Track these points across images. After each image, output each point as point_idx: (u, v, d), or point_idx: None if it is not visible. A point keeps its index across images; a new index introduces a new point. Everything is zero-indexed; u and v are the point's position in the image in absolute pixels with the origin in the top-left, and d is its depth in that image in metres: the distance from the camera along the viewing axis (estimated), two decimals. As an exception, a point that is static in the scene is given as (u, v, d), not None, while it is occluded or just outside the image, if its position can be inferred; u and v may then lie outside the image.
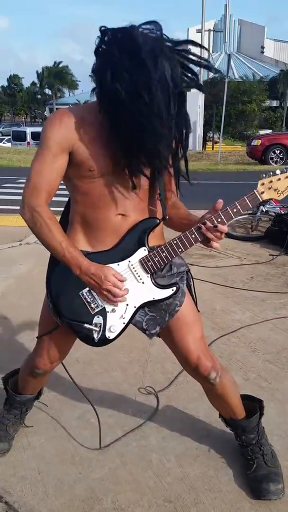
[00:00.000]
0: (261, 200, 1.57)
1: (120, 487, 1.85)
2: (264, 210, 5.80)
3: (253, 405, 1.94)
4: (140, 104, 1.28)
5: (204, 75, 27.93)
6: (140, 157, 1.41)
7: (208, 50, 1.45)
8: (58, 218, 1.68)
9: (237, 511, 1.73)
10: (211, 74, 30.81)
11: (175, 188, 1.70)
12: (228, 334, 3.13)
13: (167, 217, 1.64)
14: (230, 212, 1.53)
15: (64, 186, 1.63)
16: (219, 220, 1.53)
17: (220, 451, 2.03)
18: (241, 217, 5.92)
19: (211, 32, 42.20)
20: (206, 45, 31.42)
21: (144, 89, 1.27)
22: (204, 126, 27.28)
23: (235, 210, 1.53)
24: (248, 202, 1.54)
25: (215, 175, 13.95)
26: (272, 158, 15.23)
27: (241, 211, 1.54)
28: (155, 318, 1.69)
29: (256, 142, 15.36)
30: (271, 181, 1.55)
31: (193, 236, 1.54)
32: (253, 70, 47.56)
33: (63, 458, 2.00)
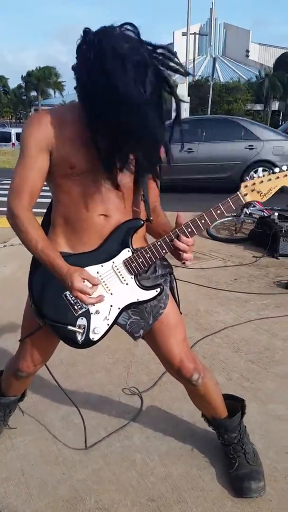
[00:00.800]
0: (244, 202, 1.59)
1: (104, 487, 1.86)
2: (248, 212, 5.87)
3: (235, 404, 1.97)
4: (111, 106, 1.28)
5: (189, 78, 28.06)
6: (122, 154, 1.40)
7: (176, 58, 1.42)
8: (41, 220, 1.69)
9: (219, 509, 1.75)
10: (196, 77, 31.02)
11: (157, 192, 1.72)
12: (211, 335, 3.16)
13: (151, 218, 1.64)
14: (214, 213, 1.55)
15: (47, 188, 1.63)
16: (203, 221, 1.55)
17: (203, 450, 2.06)
18: (225, 219, 5.97)
19: (197, 36, 42.46)
20: (191, 49, 31.61)
21: (115, 94, 1.26)
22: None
23: (218, 211, 1.55)
24: (231, 203, 1.56)
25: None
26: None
27: (225, 213, 1.56)
28: (138, 322, 1.69)
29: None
30: (254, 184, 1.57)
31: (182, 234, 1.56)
32: (238, 74, 47.96)
33: (46, 459, 2.01)
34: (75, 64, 1.37)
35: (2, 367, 2.11)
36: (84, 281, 1.50)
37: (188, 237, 1.56)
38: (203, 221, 1.55)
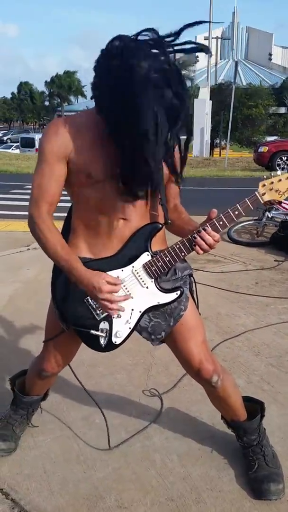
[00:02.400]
0: (262, 202, 1.58)
1: (124, 485, 1.89)
2: (269, 216, 5.83)
3: (255, 407, 1.97)
4: (128, 125, 1.33)
5: (211, 82, 28.05)
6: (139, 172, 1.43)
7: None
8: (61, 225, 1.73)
9: (237, 510, 1.76)
10: (219, 80, 30.91)
11: (177, 190, 1.74)
12: (232, 338, 3.16)
13: (169, 221, 1.66)
14: (232, 214, 1.55)
15: (66, 192, 1.67)
16: (221, 223, 1.56)
17: (222, 452, 2.07)
18: (247, 223, 5.96)
19: (219, 40, 42.43)
20: (213, 53, 31.54)
21: (133, 114, 1.30)
22: (211, 133, 27.35)
23: (236, 212, 1.56)
24: (249, 204, 1.56)
25: (222, 182, 13.99)
26: (279, 165, 15.22)
27: (243, 213, 1.56)
28: (160, 324, 1.72)
29: (263, 149, 15.35)
30: (272, 182, 1.56)
31: (196, 239, 1.57)
32: (261, 77, 47.65)
33: (68, 458, 2.05)
34: (94, 78, 1.41)
35: (26, 367, 2.16)
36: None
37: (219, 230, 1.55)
38: (221, 222, 1.56)
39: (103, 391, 2.53)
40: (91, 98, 1.44)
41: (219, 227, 1.56)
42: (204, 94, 24.13)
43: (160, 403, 2.43)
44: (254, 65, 69.24)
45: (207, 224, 1.56)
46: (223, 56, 68.45)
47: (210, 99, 24.60)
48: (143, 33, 1.38)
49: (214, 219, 1.56)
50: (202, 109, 22.54)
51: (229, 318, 3.51)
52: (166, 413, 2.36)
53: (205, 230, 1.55)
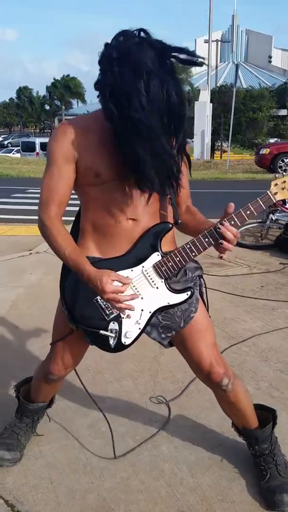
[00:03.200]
0: (274, 201, 1.55)
1: (132, 496, 1.84)
2: (274, 218, 5.78)
3: (266, 414, 1.93)
4: (132, 123, 1.32)
5: (212, 84, 28.10)
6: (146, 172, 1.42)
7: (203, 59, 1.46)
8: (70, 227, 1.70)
9: (250, 522, 1.71)
10: (219, 83, 30.98)
11: (187, 192, 1.72)
12: (239, 343, 3.11)
13: (180, 221, 1.64)
14: (244, 214, 1.52)
15: (75, 196, 1.65)
16: (232, 222, 1.52)
17: (233, 461, 2.02)
18: (251, 225, 5.92)
19: (219, 43, 42.55)
20: (213, 56, 31.61)
21: (136, 110, 1.30)
22: (212, 135, 27.37)
23: (248, 212, 1.53)
24: (261, 203, 1.53)
25: (224, 184, 13.96)
26: (281, 167, 15.20)
27: (255, 213, 1.53)
28: (169, 326, 1.69)
29: (265, 151, 15.33)
30: (284, 182, 1.53)
31: (206, 239, 1.54)
32: (261, 80, 47.73)
33: (74, 468, 2.00)
34: (98, 77, 1.39)
35: (29, 373, 2.12)
36: (114, 282, 1.49)
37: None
38: (232, 222, 1.52)
39: (109, 398, 2.48)
40: (98, 97, 1.41)
41: (234, 224, 1.53)
42: (205, 96, 24.17)
43: (167, 410, 2.39)
44: (254, 68, 69.41)
45: (224, 219, 1.52)
46: (223, 59, 68.60)
47: (211, 101, 24.63)
48: (140, 32, 1.37)
49: (224, 219, 1.52)
50: (203, 112, 22.57)
51: (235, 322, 3.46)
52: (174, 421, 2.31)
53: (223, 225, 1.51)
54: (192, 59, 1.39)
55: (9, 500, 1.82)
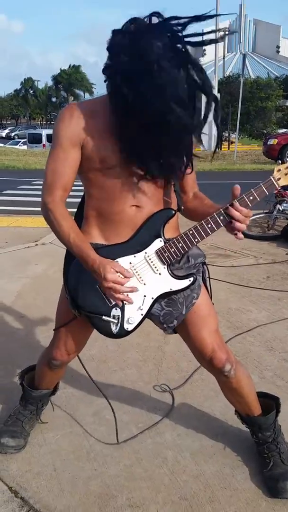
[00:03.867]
0: (277, 187, 1.54)
1: (135, 483, 1.84)
2: (280, 209, 5.75)
3: (270, 403, 1.92)
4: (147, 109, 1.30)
5: (219, 74, 27.87)
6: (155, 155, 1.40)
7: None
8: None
9: (253, 509, 1.71)
10: (227, 73, 30.69)
11: (194, 177, 1.70)
12: (244, 333, 3.10)
13: (183, 208, 1.63)
14: (246, 199, 1.51)
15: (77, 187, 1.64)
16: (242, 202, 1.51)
17: (236, 449, 2.02)
18: (258, 216, 5.88)
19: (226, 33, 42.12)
20: (221, 46, 31.31)
21: (152, 96, 1.27)
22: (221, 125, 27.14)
23: (251, 197, 1.51)
24: (264, 189, 1.52)
25: (231, 175, 13.89)
26: (288, 157, 15.08)
27: (258, 198, 1.52)
28: (171, 313, 1.69)
29: (273, 141, 15.20)
30: (287, 167, 1.53)
31: (209, 225, 1.53)
32: (269, 70, 47.24)
33: (78, 455, 2.01)
34: (107, 61, 1.37)
35: (34, 362, 2.12)
36: (116, 273, 1.49)
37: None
38: (251, 197, 1.51)
39: (113, 387, 2.49)
40: (104, 81, 1.40)
41: (248, 203, 1.52)
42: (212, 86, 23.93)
43: (171, 398, 2.39)
44: (262, 58, 68.73)
45: (234, 200, 1.51)
46: (231, 49, 67.94)
47: (218, 92, 24.41)
48: (152, 16, 1.34)
49: (239, 198, 1.52)
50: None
51: (240, 312, 3.45)
52: (177, 409, 2.31)
53: (232, 205, 1.50)
54: (204, 41, 1.36)
55: (12, 487, 1.83)
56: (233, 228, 1.53)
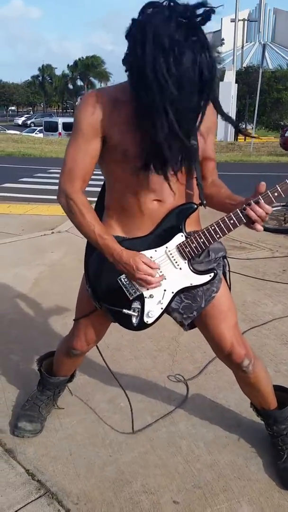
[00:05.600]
0: None
1: (150, 471, 1.87)
2: (298, 202, 5.70)
3: (285, 396, 1.93)
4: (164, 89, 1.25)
5: (237, 65, 27.53)
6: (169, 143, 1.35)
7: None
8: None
9: (266, 500, 1.73)
10: (245, 64, 30.27)
11: (213, 165, 1.69)
12: (259, 326, 3.10)
13: (205, 202, 1.60)
14: (271, 195, 1.47)
15: (96, 176, 1.63)
16: (276, 194, 1.48)
17: (250, 440, 2.03)
18: (274, 209, 5.83)
19: (245, 22, 41.51)
20: (240, 35, 30.84)
21: (167, 79, 1.23)
22: (237, 117, 26.90)
23: (276, 194, 1.48)
24: None
25: (248, 167, 13.79)
26: (306, 150, 14.90)
27: (282, 195, 1.49)
28: (190, 305, 1.69)
29: (290, 134, 15.01)
30: None
31: (232, 221, 1.50)
32: (288, 60, 46.49)
33: (93, 441, 2.04)
34: (127, 51, 1.32)
35: (52, 348, 2.16)
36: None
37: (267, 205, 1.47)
38: (276, 194, 1.47)
39: (128, 375, 2.51)
40: (126, 71, 1.37)
41: (273, 198, 1.49)
42: (230, 77, 23.69)
43: (185, 389, 2.41)
44: (282, 48, 67.62)
45: (259, 197, 1.48)
46: (250, 39, 66.92)
47: (236, 82, 24.15)
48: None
49: (252, 200, 1.48)
50: (228, 93, 22.13)
51: (255, 306, 3.45)
52: (191, 399, 2.33)
53: (258, 203, 1.47)
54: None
55: (29, 470, 1.87)
56: (251, 226, 1.50)
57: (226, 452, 1.97)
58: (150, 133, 1.33)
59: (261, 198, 1.47)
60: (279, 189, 1.48)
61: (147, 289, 1.58)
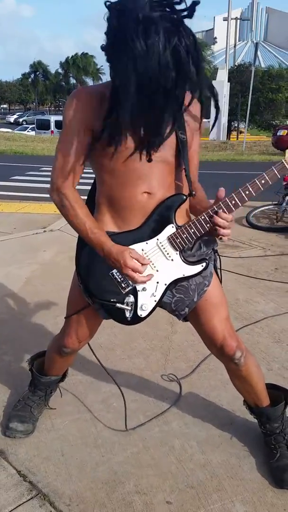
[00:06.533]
0: None
1: (143, 471, 1.86)
2: (290, 200, 5.71)
3: (278, 394, 1.93)
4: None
5: (230, 63, 27.58)
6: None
7: None
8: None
9: (259, 499, 1.72)
10: (238, 62, 30.35)
11: (196, 164, 1.68)
12: (251, 324, 3.10)
13: (194, 192, 1.60)
14: (258, 183, 1.50)
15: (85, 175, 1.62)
16: (247, 192, 1.51)
17: (243, 439, 2.03)
18: (266, 207, 5.86)
19: (238, 21, 41.59)
20: (232, 34, 30.91)
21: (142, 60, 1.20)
22: (229, 116, 26.96)
23: (263, 181, 1.50)
24: (276, 172, 1.50)
25: (240, 166, 13.81)
26: (298, 149, 14.96)
27: (269, 182, 1.51)
28: (183, 300, 1.68)
29: (282, 132, 15.05)
30: None
31: (221, 210, 1.52)
32: (280, 60, 46.70)
33: (86, 441, 2.02)
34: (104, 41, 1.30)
35: (43, 348, 2.14)
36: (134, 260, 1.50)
37: (227, 213, 1.51)
38: (247, 192, 1.51)
39: (121, 375, 2.50)
40: (107, 61, 1.35)
41: (245, 197, 1.52)
42: (222, 75, 23.73)
43: (178, 388, 2.40)
44: (274, 47, 67.88)
45: (214, 206, 1.51)
46: (242, 38, 67.09)
47: (228, 81, 24.19)
48: None
49: (233, 194, 1.51)
50: (220, 91, 22.01)
51: (248, 304, 3.45)
52: (184, 398, 2.32)
53: (216, 213, 1.51)
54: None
55: (21, 471, 1.85)
56: (218, 234, 1.53)
57: (219, 452, 1.96)
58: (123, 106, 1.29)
59: (219, 209, 1.51)
60: (266, 177, 1.50)
61: (137, 283, 1.58)
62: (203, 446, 1.99)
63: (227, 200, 1.52)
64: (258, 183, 1.51)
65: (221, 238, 1.55)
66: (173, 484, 1.80)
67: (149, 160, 1.45)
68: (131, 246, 1.55)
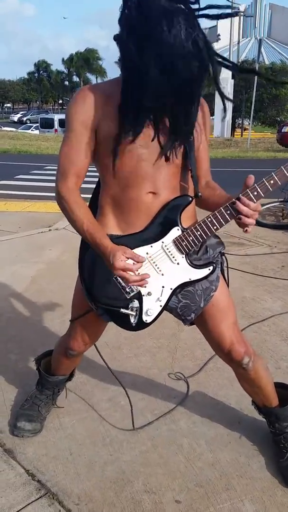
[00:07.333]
0: None
1: (151, 470, 1.85)
2: (296, 198, 5.69)
3: (286, 393, 1.91)
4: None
5: (233, 60, 27.46)
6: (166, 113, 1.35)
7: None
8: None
9: (269, 498, 1.72)
10: (241, 59, 30.21)
11: (207, 167, 1.66)
12: (258, 323, 3.09)
13: (200, 193, 1.58)
14: (267, 184, 1.44)
15: (91, 174, 1.60)
16: (255, 193, 1.44)
17: (252, 438, 2.01)
18: (272, 205, 5.83)
19: (241, 17, 41.42)
20: (236, 31, 30.78)
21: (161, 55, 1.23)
22: (233, 112, 26.85)
23: (272, 181, 1.44)
24: (285, 172, 1.44)
25: (244, 163, 13.76)
26: (303, 146, 14.89)
27: (279, 182, 1.45)
28: (189, 305, 1.65)
29: (287, 129, 15.01)
30: None
31: (228, 212, 1.47)
32: (284, 56, 46.45)
33: (94, 440, 2.02)
34: (118, 33, 1.31)
35: (50, 347, 2.14)
36: (127, 260, 1.44)
37: (253, 200, 1.44)
38: (271, 181, 1.43)
39: (127, 373, 2.49)
40: (120, 50, 1.34)
41: (253, 197, 1.45)
42: (226, 72, 23.61)
43: (186, 386, 2.39)
44: (278, 44, 67.55)
45: (242, 194, 1.45)
46: (245, 34, 66.82)
47: (232, 78, 24.07)
48: None
49: (248, 190, 1.45)
50: (224, 88, 22.07)
51: (254, 302, 3.43)
52: (192, 397, 2.31)
53: (239, 199, 1.44)
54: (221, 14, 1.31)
55: (29, 470, 1.85)
56: (241, 223, 1.46)
57: (228, 450, 1.95)
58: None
59: (242, 195, 1.44)
60: (275, 177, 1.44)
61: (145, 287, 1.54)
62: (212, 445, 1.98)
63: (249, 191, 1.45)
64: (266, 183, 1.45)
65: (246, 230, 1.48)
66: (182, 483, 1.79)
67: (167, 159, 1.44)
68: (135, 250, 1.51)
